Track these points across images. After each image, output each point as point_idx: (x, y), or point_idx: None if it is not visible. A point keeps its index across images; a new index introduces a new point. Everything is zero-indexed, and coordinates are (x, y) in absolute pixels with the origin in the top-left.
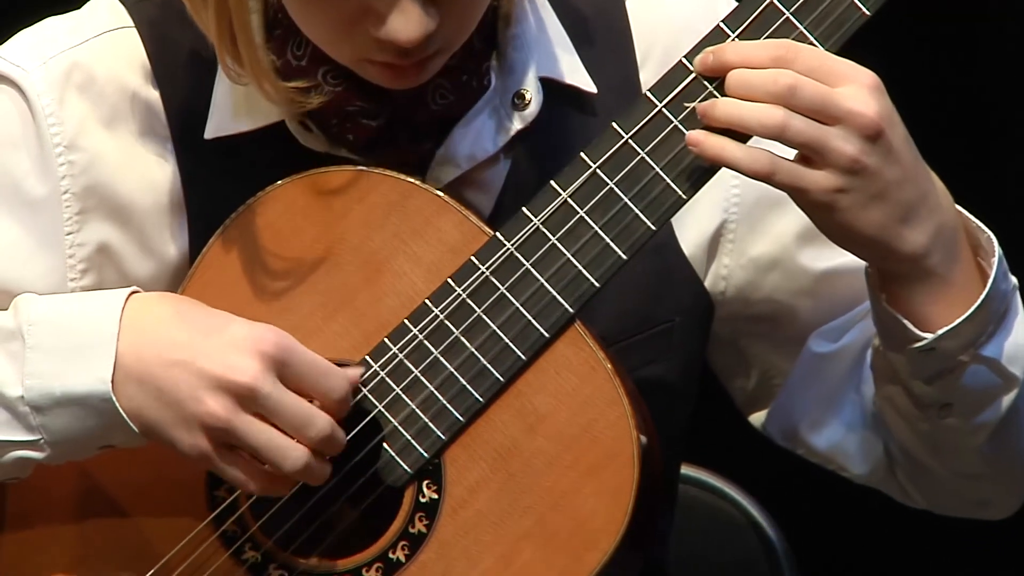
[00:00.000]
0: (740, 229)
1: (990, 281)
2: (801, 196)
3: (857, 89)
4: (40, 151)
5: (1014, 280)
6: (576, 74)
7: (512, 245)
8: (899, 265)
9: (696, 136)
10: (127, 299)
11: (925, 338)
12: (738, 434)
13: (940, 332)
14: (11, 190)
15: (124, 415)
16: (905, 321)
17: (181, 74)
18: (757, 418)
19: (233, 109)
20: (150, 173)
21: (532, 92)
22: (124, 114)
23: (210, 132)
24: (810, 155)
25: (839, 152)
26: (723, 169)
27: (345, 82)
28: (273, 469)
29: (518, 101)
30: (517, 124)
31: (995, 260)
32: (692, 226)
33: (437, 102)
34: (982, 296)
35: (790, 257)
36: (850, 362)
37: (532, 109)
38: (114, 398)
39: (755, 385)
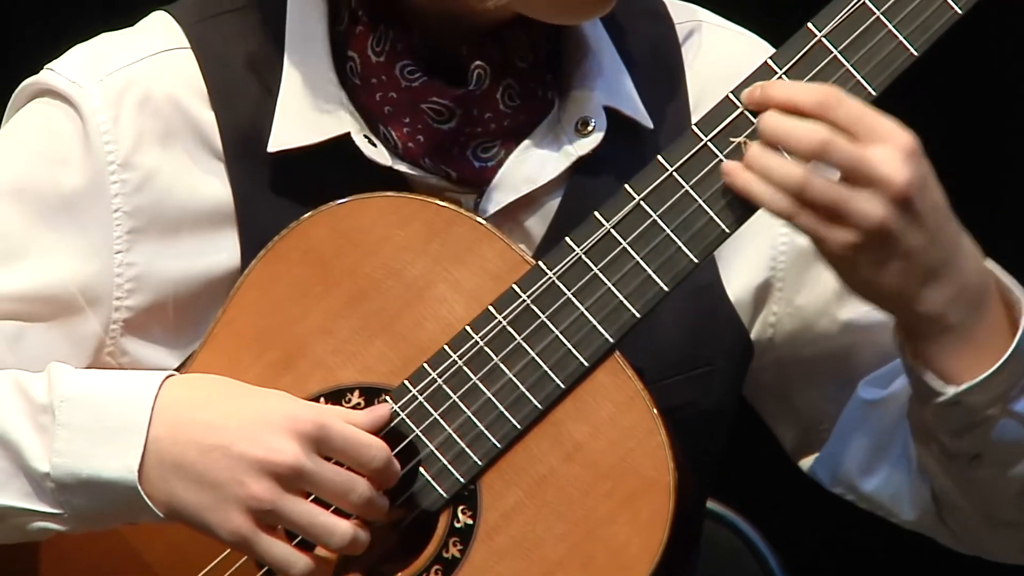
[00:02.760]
0: (789, 277)
1: (1017, 337)
2: (821, 246)
3: (892, 152)
4: (93, 169)
5: None
6: (635, 108)
7: (554, 274)
8: (918, 322)
9: (730, 166)
10: (161, 384)
11: (947, 392)
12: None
13: (964, 387)
14: (62, 208)
15: (149, 503)
16: (927, 375)
17: (238, 94)
18: (806, 463)
19: (298, 122)
20: (203, 193)
21: (596, 120)
22: (178, 134)
23: (274, 146)
24: (833, 213)
25: (863, 215)
26: (773, 220)
27: (422, 77)
28: (319, 545)
29: (581, 127)
30: (579, 151)
31: (1023, 317)
32: (740, 271)
33: (507, 103)
34: (1008, 352)
35: (838, 306)
36: (898, 408)
37: (595, 136)
38: (140, 488)
39: (803, 431)
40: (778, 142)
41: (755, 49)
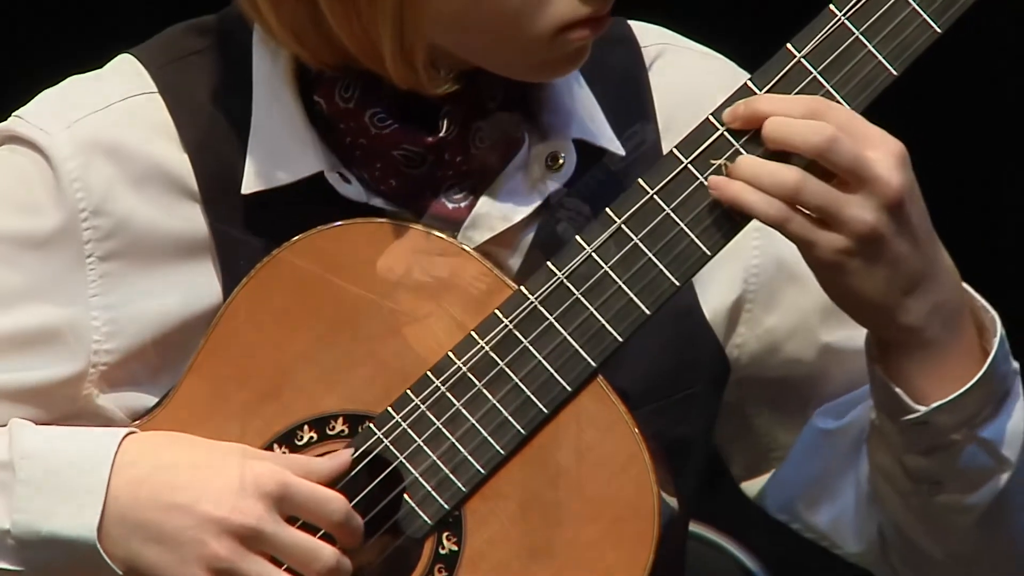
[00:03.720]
0: (759, 299)
1: (988, 360)
2: (810, 252)
3: (885, 156)
4: (65, 216)
5: (1016, 364)
6: (605, 137)
7: (536, 298)
8: (897, 334)
9: (718, 179)
10: (121, 441)
11: (918, 410)
12: (726, 481)
13: (934, 406)
14: (34, 254)
15: (109, 561)
16: (899, 391)
17: (209, 136)
18: (751, 487)
19: (270, 163)
20: (180, 234)
21: (566, 153)
22: (151, 179)
23: (247, 187)
24: (826, 217)
25: (856, 219)
26: (744, 239)
27: (392, 124)
28: None
29: (551, 162)
30: (551, 185)
31: (996, 340)
32: (714, 292)
33: (477, 145)
34: (979, 374)
35: (803, 331)
36: (852, 440)
37: (567, 170)
38: (99, 547)
39: (755, 455)
40: (784, 141)
41: (723, 69)
